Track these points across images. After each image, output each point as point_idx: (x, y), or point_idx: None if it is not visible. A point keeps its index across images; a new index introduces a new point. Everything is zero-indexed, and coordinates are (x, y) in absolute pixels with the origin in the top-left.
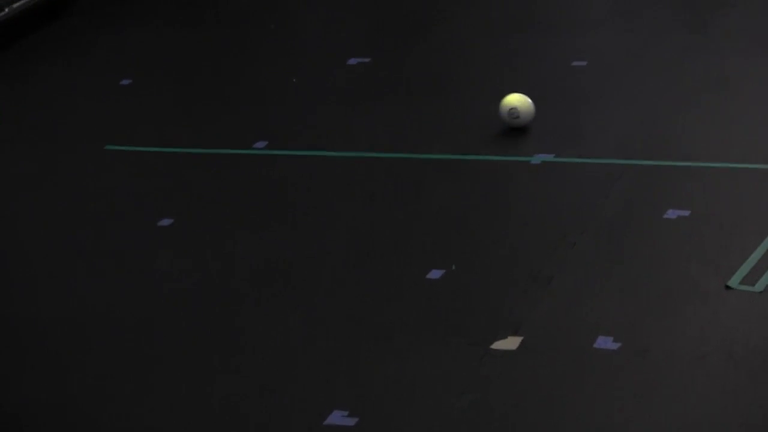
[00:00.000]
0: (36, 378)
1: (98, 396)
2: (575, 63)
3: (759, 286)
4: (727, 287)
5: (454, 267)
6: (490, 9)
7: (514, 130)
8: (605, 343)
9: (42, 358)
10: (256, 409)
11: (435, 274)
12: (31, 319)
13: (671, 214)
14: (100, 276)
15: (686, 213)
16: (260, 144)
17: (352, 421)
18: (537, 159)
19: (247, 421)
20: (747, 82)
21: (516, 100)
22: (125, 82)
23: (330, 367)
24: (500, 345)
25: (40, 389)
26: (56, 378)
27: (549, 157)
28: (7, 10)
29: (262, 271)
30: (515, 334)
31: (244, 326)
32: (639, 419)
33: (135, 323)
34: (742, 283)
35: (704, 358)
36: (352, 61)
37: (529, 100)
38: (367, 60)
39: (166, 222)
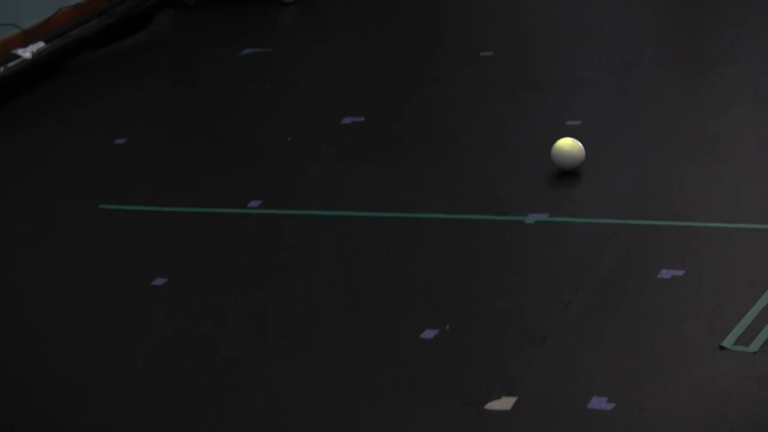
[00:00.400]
0: None
1: None
2: (569, 122)
3: (753, 347)
4: (722, 348)
5: (447, 326)
6: (484, 69)
7: (512, 187)
8: (599, 403)
9: (34, 418)
10: None
11: (429, 333)
12: (23, 376)
13: (665, 273)
14: (93, 334)
15: (680, 273)
16: (254, 203)
17: None
18: (531, 218)
19: None
20: (740, 142)
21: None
22: (120, 141)
23: (324, 426)
24: (494, 405)
25: None
26: None
27: (543, 217)
28: (2, 68)
29: (256, 329)
30: (509, 394)
31: (239, 384)
32: None
33: (128, 381)
34: (736, 343)
35: (698, 418)
36: (347, 121)
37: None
38: (361, 119)
39: (159, 281)
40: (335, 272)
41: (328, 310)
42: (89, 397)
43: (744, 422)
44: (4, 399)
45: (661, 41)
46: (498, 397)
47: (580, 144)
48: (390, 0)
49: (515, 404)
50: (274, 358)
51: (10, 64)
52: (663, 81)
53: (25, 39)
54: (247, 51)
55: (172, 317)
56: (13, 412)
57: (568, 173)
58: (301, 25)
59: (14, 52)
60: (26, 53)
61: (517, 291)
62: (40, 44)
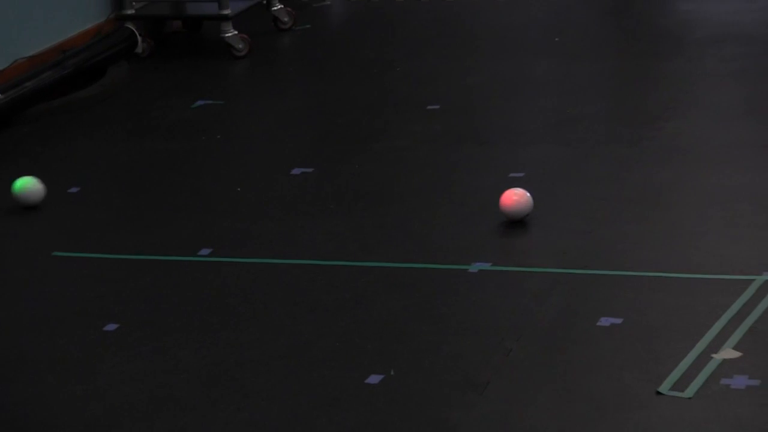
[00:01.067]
0: None
1: None
2: (513, 174)
3: (689, 393)
4: (659, 393)
5: (392, 372)
6: (431, 123)
7: (458, 238)
8: None
9: None
10: None
11: (373, 379)
12: None
13: (604, 321)
14: (45, 379)
15: (619, 321)
16: (205, 251)
17: None
18: (474, 267)
19: None
20: (679, 194)
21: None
22: (74, 189)
23: None
24: None
25: None
26: None
27: (486, 266)
28: None
29: (206, 376)
30: None
31: (187, 427)
32: None
33: (80, 425)
34: (672, 389)
35: None
36: (296, 171)
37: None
38: (310, 170)
39: (111, 327)
40: (283, 319)
41: (275, 356)
42: None
43: None
44: None
45: (604, 97)
46: None
47: (529, 195)
48: (339, 54)
49: None
50: (222, 403)
51: None
52: (605, 136)
53: None
54: (199, 102)
55: (124, 362)
56: None
57: (512, 223)
58: (252, 77)
59: None
60: None
61: (459, 338)
62: None
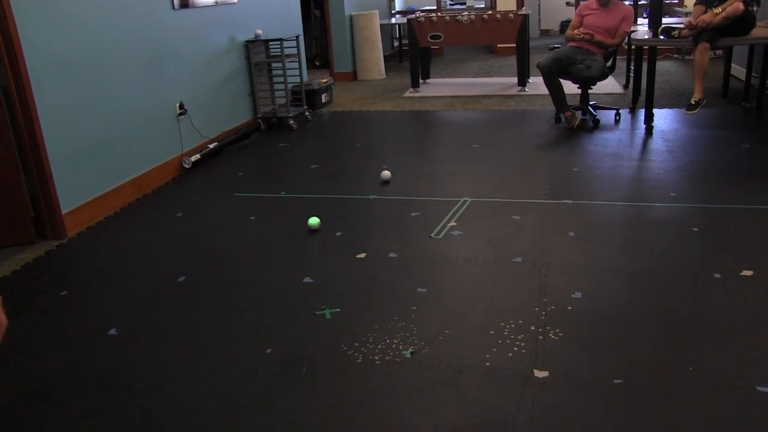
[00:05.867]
0: None
1: None
2: (384, 166)
3: (441, 237)
4: (431, 237)
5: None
6: (354, 150)
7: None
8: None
9: None
10: None
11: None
12: None
13: (413, 214)
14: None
15: (418, 213)
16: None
17: None
18: (371, 197)
19: None
20: (436, 175)
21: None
22: (240, 173)
23: None
24: None
25: None
26: None
27: (376, 196)
28: (204, 151)
29: None
30: None
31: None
32: None
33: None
34: (434, 236)
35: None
36: (314, 166)
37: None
38: (317, 166)
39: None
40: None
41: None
42: None
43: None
44: None
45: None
46: None
47: (389, 172)
48: (330, 130)
49: None
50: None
51: (206, 150)
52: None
53: (210, 143)
54: (281, 144)
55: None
56: None
57: (385, 182)
58: (299, 137)
59: (208, 146)
60: (212, 146)
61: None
62: (215, 143)
